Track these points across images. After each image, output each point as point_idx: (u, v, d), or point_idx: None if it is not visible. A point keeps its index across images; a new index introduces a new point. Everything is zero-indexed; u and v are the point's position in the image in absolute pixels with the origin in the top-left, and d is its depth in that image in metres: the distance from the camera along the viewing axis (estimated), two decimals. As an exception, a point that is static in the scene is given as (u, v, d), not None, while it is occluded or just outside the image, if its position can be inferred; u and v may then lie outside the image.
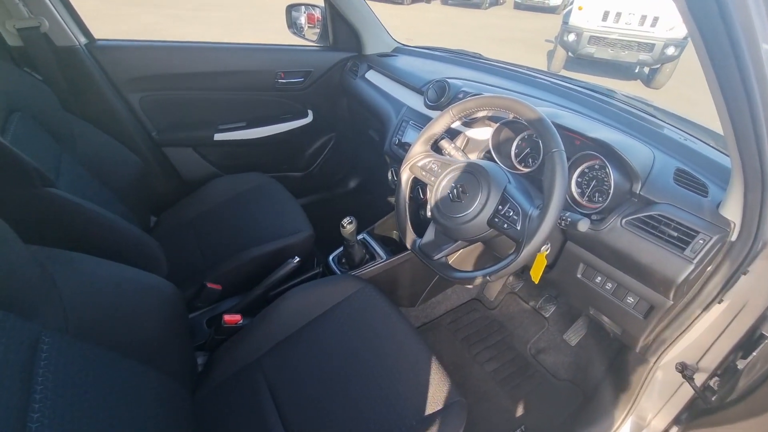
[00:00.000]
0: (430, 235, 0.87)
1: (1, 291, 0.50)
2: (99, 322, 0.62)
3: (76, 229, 0.81)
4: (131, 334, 0.67)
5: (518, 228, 0.71)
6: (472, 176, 0.78)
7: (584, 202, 0.85)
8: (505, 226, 0.72)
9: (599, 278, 0.84)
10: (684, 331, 0.79)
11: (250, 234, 1.20)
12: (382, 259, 1.19)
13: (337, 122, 1.76)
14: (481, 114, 0.99)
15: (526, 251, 0.68)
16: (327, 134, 1.80)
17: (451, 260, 0.86)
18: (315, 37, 1.61)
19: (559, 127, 0.84)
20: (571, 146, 0.85)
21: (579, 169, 0.85)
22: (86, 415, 0.53)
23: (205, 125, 1.49)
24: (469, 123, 1.04)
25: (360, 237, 1.25)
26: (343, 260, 1.20)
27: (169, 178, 1.51)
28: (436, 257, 0.83)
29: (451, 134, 1.02)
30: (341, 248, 1.21)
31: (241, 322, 0.95)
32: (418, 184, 1.12)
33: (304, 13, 1.62)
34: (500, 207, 0.74)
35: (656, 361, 0.87)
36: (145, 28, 5.99)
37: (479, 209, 0.75)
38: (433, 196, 0.83)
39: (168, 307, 0.76)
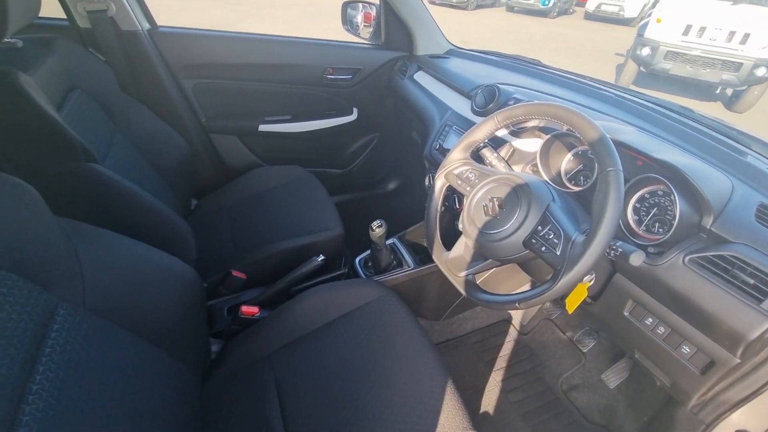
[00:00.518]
0: (459, 249, 0.80)
1: (23, 259, 0.51)
2: (116, 299, 0.62)
3: (111, 206, 0.84)
4: (147, 316, 0.67)
5: (558, 253, 0.63)
6: (511, 190, 0.71)
7: (641, 232, 0.74)
8: (543, 249, 0.65)
9: (650, 320, 0.73)
10: (750, 395, 0.67)
11: (281, 227, 1.20)
12: (409, 267, 1.14)
13: (381, 122, 1.74)
14: (531, 124, 0.91)
15: (565, 281, 0.60)
16: (370, 134, 1.78)
17: (479, 280, 0.80)
18: (368, 36, 1.59)
19: (619, 144, 0.75)
20: (631, 167, 0.75)
21: (638, 194, 0.75)
22: (88, 390, 0.52)
23: (252, 115, 1.52)
24: (516, 133, 0.96)
25: (390, 242, 1.21)
26: (370, 264, 1.16)
27: (214, 164, 1.56)
28: (462, 274, 0.77)
29: (496, 143, 0.95)
30: (369, 251, 1.18)
31: (258, 314, 0.94)
32: (454, 194, 1.06)
33: (362, 11, 1.61)
34: (540, 227, 0.66)
35: (711, 423, 0.75)
36: (212, 22, 6.38)
37: (515, 227, 0.68)
38: (466, 207, 0.77)
39: (187, 292, 0.76)
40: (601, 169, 0.61)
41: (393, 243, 1.21)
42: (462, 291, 0.78)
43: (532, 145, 0.93)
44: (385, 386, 0.78)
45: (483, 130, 0.80)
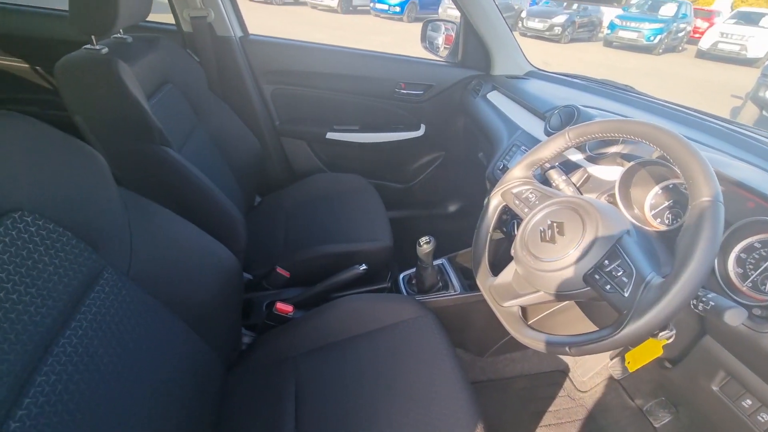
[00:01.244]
0: (507, 276, 0.71)
1: (81, 220, 0.54)
2: (158, 273, 0.65)
3: (173, 187, 0.90)
4: (184, 295, 0.69)
5: (626, 295, 0.52)
6: (575, 215, 0.61)
7: (745, 289, 0.59)
8: (608, 287, 0.54)
9: (748, 402, 0.57)
10: None
11: (331, 231, 1.20)
12: (455, 291, 1.06)
13: (449, 141, 1.69)
14: (613, 149, 0.80)
15: (631, 330, 0.49)
16: (436, 151, 1.74)
17: (532, 320, 0.69)
18: (446, 54, 1.58)
19: (724, 179, 0.62)
20: (739, 207, 0.61)
21: (746, 241, 0.60)
22: (112, 355, 0.53)
23: (321, 123, 1.57)
24: (594, 159, 0.85)
25: (438, 262, 1.14)
26: (414, 282, 1.10)
27: (281, 166, 1.64)
28: (506, 304, 0.68)
29: (568, 168, 0.85)
30: (415, 268, 1.12)
31: (291, 313, 0.94)
32: (514, 219, 0.97)
33: (443, 33, 1.61)
34: (606, 261, 0.56)
35: None
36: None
37: (576, 258, 0.58)
38: (521, 230, 0.68)
39: (226, 279, 0.78)
40: (693, 199, 0.50)
41: (441, 264, 1.14)
42: (503, 322, 0.68)
43: (611, 173, 0.82)
44: (404, 412, 0.71)
45: (550, 147, 0.72)
